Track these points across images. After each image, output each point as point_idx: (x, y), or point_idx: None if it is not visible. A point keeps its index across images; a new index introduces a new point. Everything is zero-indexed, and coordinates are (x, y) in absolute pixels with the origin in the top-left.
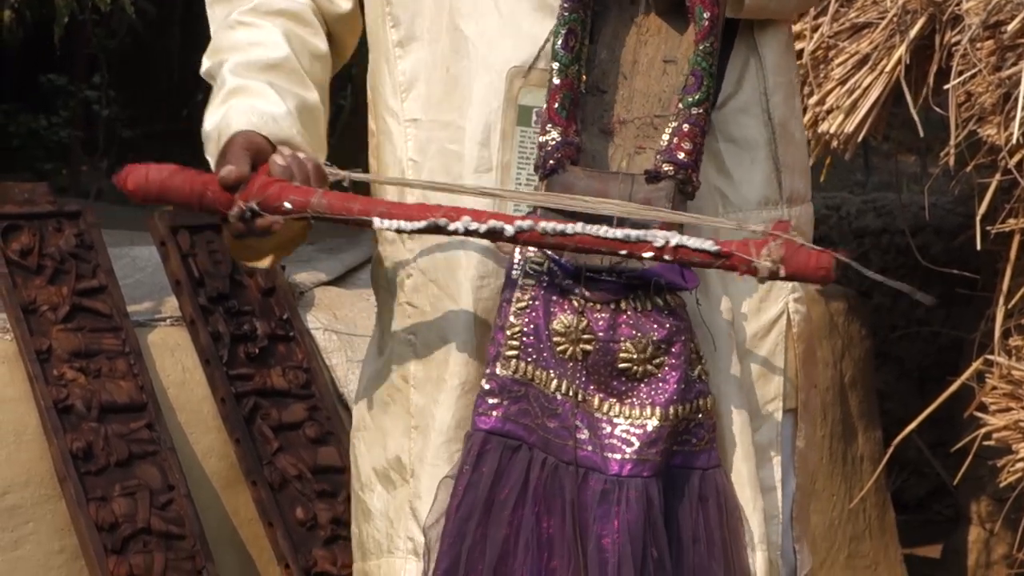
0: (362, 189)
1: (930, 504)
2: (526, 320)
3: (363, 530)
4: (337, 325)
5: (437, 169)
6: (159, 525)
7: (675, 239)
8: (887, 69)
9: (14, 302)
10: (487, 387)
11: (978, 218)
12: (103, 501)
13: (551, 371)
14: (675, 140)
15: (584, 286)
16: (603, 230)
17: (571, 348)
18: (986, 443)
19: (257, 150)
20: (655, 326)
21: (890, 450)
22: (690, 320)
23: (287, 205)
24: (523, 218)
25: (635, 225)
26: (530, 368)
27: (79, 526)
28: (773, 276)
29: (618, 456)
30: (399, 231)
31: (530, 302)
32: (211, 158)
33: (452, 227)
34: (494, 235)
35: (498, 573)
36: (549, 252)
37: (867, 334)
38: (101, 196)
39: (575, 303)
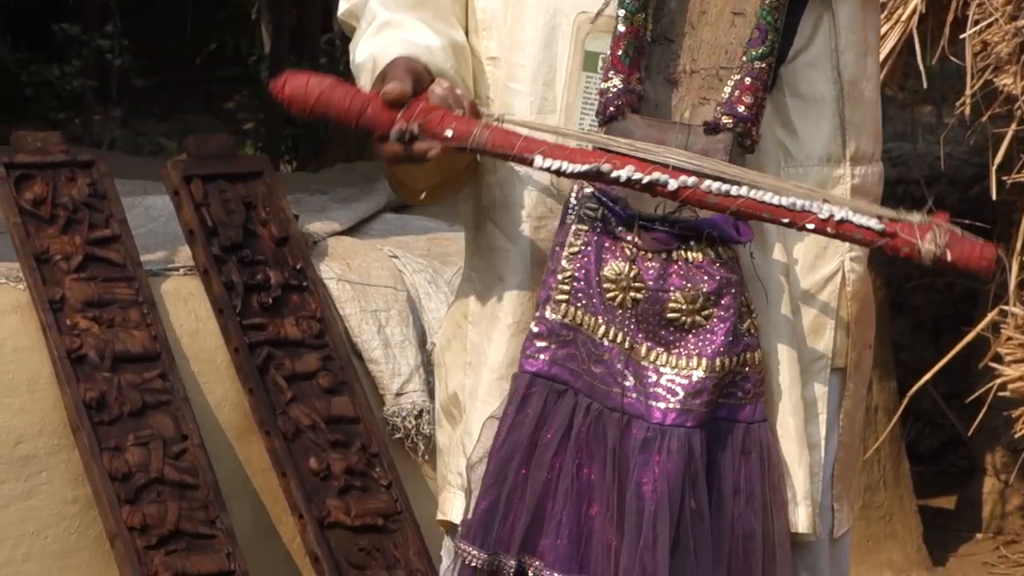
0: None
1: (945, 455)
2: (578, 265)
3: (437, 466)
4: (350, 275)
5: (501, 106)
6: (172, 475)
7: (839, 212)
8: (903, 18)
9: (27, 251)
10: (536, 330)
11: (993, 168)
12: (116, 451)
13: (600, 317)
14: (736, 93)
15: (637, 234)
16: (768, 196)
17: (621, 295)
18: (1001, 394)
19: (418, 75)
20: (706, 277)
21: (905, 401)
22: (742, 273)
23: (448, 133)
24: (688, 174)
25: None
26: (579, 313)
27: (92, 476)
28: (937, 262)
29: (662, 405)
30: (559, 172)
31: (582, 247)
32: (367, 84)
33: (615, 175)
34: (655, 187)
35: (537, 516)
36: (605, 199)
37: (882, 284)
38: (114, 145)
39: (627, 251)
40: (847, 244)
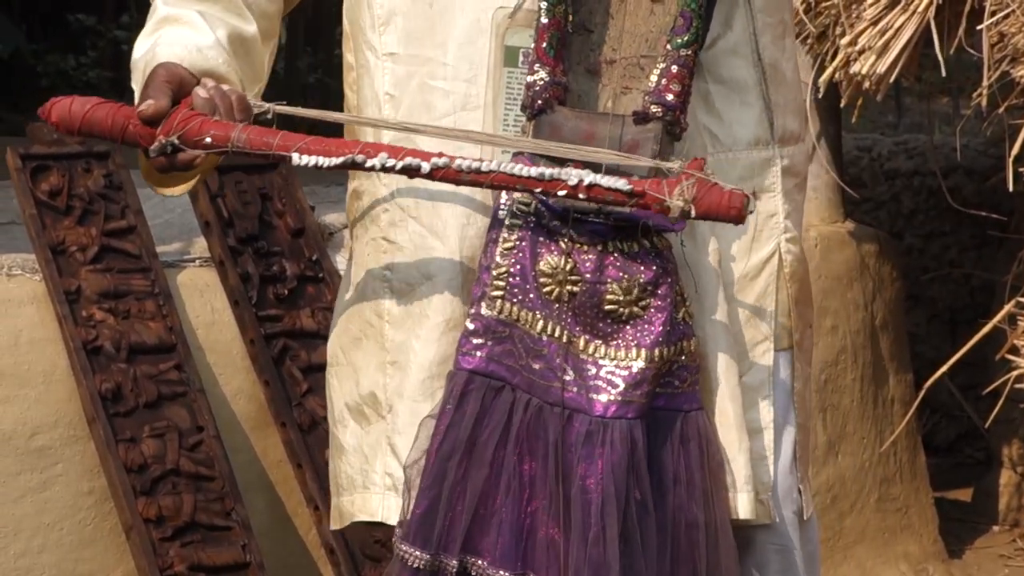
0: (333, 129)
1: (961, 447)
2: (512, 260)
3: (336, 466)
4: None
5: (417, 104)
6: (188, 466)
7: (588, 178)
8: (919, 9)
9: (43, 243)
10: (471, 327)
11: (1010, 159)
12: (132, 442)
13: (537, 312)
14: (663, 81)
15: (571, 227)
16: (518, 167)
17: (557, 289)
18: (1018, 386)
19: (180, 83)
20: (642, 268)
21: (921, 393)
22: (676, 262)
23: (207, 140)
24: (438, 155)
25: (618, 171)
26: (515, 309)
27: (108, 467)
28: (685, 216)
29: (603, 397)
30: (317, 167)
31: (517, 242)
32: (136, 88)
33: (369, 163)
34: (410, 172)
35: (478, 513)
36: (537, 192)
37: (898, 276)
38: None
39: (562, 244)
40: (781, 226)
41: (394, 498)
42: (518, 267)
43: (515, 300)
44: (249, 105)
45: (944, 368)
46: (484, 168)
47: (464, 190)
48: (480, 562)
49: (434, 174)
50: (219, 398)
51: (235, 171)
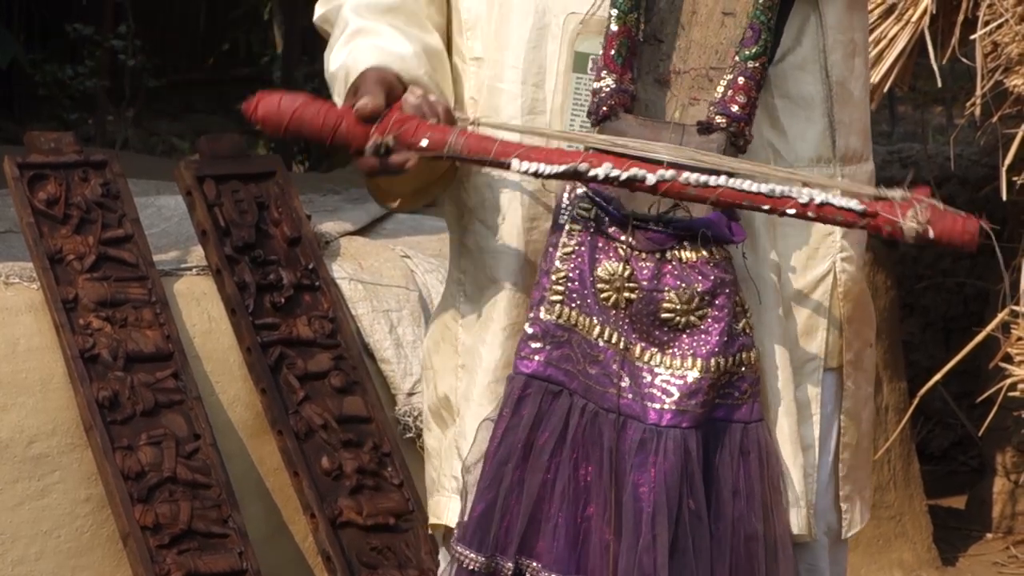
0: None
1: (955, 455)
2: (571, 265)
3: (426, 469)
4: (362, 275)
5: (486, 108)
6: (185, 474)
7: (820, 196)
8: (913, 19)
9: (40, 251)
10: (530, 331)
11: (1004, 169)
12: (129, 450)
13: (594, 317)
14: (729, 92)
15: (631, 234)
16: (747, 184)
17: (615, 296)
18: (1011, 394)
19: (390, 86)
20: (700, 277)
21: (915, 401)
22: (736, 273)
23: (423, 143)
24: (665, 168)
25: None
26: (574, 314)
27: (105, 475)
28: (919, 239)
29: (657, 406)
30: (537, 174)
31: (576, 247)
32: (339, 98)
33: (592, 173)
34: (634, 183)
35: (534, 518)
36: (598, 199)
37: (892, 284)
38: (127, 145)
39: (621, 251)
40: (839, 244)
41: (457, 501)
42: (577, 272)
43: (574, 305)
44: (454, 117)
45: (938, 376)
46: (712, 183)
47: (527, 194)
48: (535, 564)
49: (659, 187)
50: (216, 406)
51: (232, 180)
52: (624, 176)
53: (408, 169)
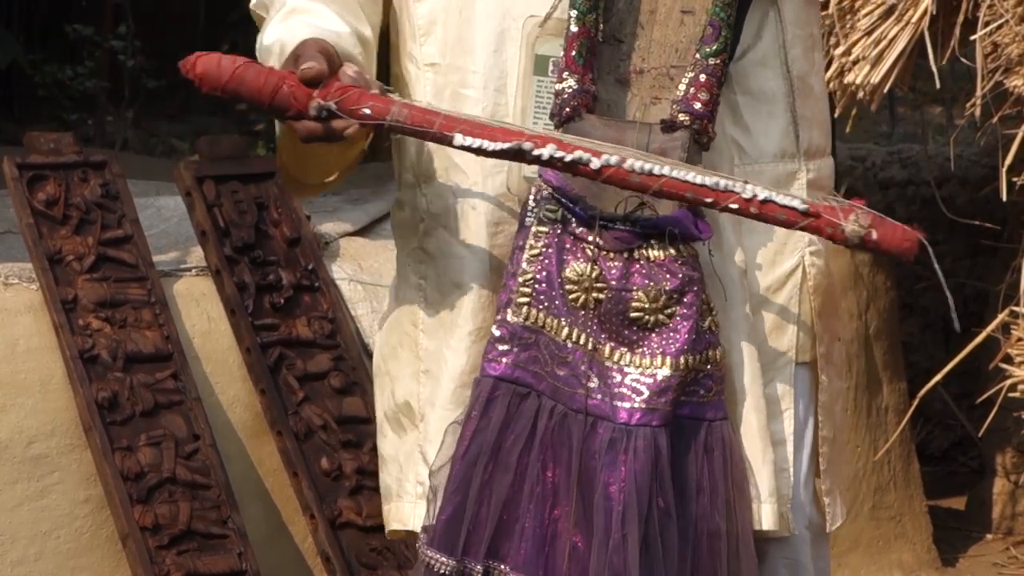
0: None
1: (955, 456)
2: (538, 267)
3: (380, 476)
4: (362, 275)
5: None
6: (184, 475)
7: (763, 193)
8: (913, 19)
9: (40, 252)
10: (497, 333)
11: (1004, 169)
12: (128, 451)
13: (562, 319)
14: (691, 90)
15: (598, 234)
16: (691, 175)
17: (583, 296)
18: (1011, 395)
19: (330, 56)
20: (668, 275)
21: (915, 402)
22: (703, 271)
23: (366, 111)
24: (611, 153)
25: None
26: (541, 315)
27: (104, 475)
28: (860, 243)
29: (627, 405)
30: (479, 151)
31: (543, 249)
32: (276, 66)
33: (536, 153)
34: (577, 166)
35: (502, 519)
36: (564, 200)
37: (892, 285)
38: (126, 146)
39: (588, 251)
40: (807, 239)
41: (424, 507)
42: (544, 274)
43: (541, 307)
44: (388, 95)
45: (938, 377)
46: (656, 171)
47: (491, 198)
48: (503, 567)
49: (603, 171)
50: (215, 407)
51: (231, 180)
52: (569, 158)
53: (348, 136)
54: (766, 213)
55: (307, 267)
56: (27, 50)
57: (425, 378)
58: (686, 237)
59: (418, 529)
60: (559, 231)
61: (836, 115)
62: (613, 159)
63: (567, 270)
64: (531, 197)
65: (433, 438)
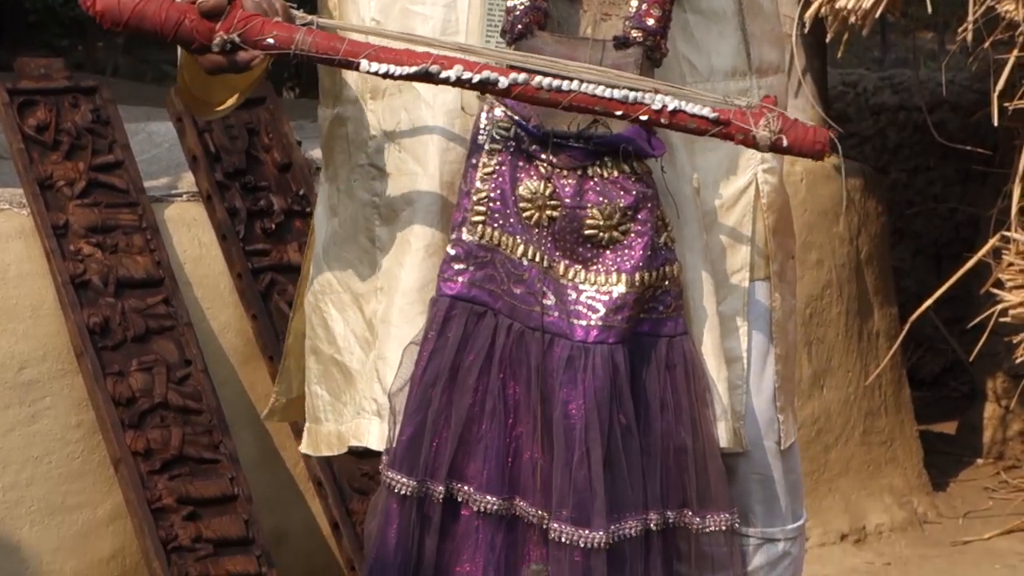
0: None
1: (946, 380)
2: (492, 185)
3: (345, 392)
4: None
5: (400, 30)
6: (176, 400)
7: (672, 103)
8: None
9: (31, 177)
10: (453, 252)
11: (995, 95)
12: (120, 376)
13: (517, 237)
14: (644, 6)
15: (551, 152)
16: (600, 89)
17: (537, 214)
18: (1002, 319)
19: None
20: (622, 192)
21: (906, 327)
22: (656, 187)
23: (270, 40)
24: (518, 71)
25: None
26: (496, 234)
27: (96, 401)
28: (772, 147)
29: (584, 322)
30: (387, 75)
31: (496, 167)
32: None
33: (444, 75)
34: (486, 86)
35: (463, 439)
36: (516, 117)
37: (883, 211)
38: (117, 72)
39: (542, 169)
40: (759, 156)
41: (378, 423)
42: (498, 192)
43: (496, 225)
44: (292, 15)
45: (929, 302)
46: (565, 87)
47: (444, 114)
48: (466, 488)
49: (512, 89)
50: (207, 332)
51: None
52: (476, 79)
53: (254, 67)
54: (677, 123)
55: (298, 192)
56: None
57: (381, 295)
58: (639, 154)
59: (372, 445)
60: (512, 149)
61: (828, 40)
62: (520, 77)
63: (521, 188)
64: (484, 115)
65: (386, 355)
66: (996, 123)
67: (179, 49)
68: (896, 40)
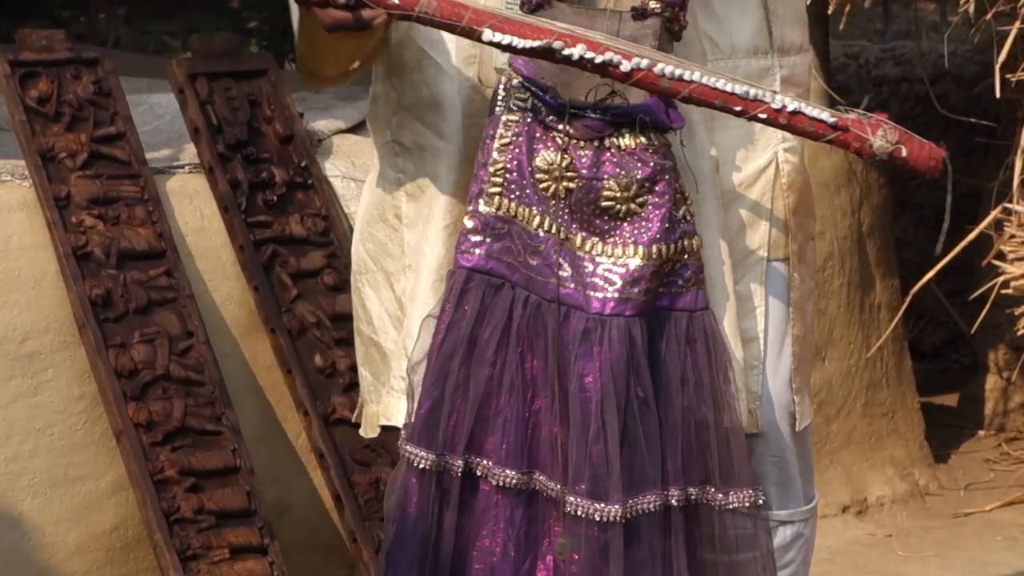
0: None
1: (947, 352)
2: (509, 156)
3: (383, 372)
4: (355, 172)
5: None
6: (178, 372)
7: (792, 104)
8: None
9: (33, 149)
10: (470, 224)
11: (997, 66)
12: (122, 348)
13: (534, 208)
14: None
15: (568, 123)
16: (721, 82)
17: (554, 186)
18: (1004, 291)
19: None
20: (639, 164)
21: (908, 298)
22: (675, 160)
23: (395, 0)
24: (640, 56)
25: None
26: (513, 205)
27: (98, 373)
28: (887, 159)
29: (600, 295)
30: (509, 48)
31: (513, 138)
32: None
33: (567, 52)
34: (607, 68)
35: (482, 414)
36: (533, 88)
37: (885, 182)
38: (119, 44)
39: (559, 140)
40: (780, 135)
41: (406, 403)
42: (515, 163)
43: (512, 196)
44: None
45: (931, 274)
46: (687, 77)
47: (466, 89)
48: (485, 462)
49: (633, 74)
50: (209, 304)
51: (224, 78)
52: (599, 60)
53: (376, 27)
54: (794, 124)
55: (300, 164)
56: None
57: (409, 272)
58: (657, 126)
59: (399, 424)
60: (529, 120)
61: (830, 12)
62: (644, 62)
63: (537, 159)
64: (501, 86)
65: (414, 332)
66: (998, 95)
67: (295, 18)
68: (898, 12)
